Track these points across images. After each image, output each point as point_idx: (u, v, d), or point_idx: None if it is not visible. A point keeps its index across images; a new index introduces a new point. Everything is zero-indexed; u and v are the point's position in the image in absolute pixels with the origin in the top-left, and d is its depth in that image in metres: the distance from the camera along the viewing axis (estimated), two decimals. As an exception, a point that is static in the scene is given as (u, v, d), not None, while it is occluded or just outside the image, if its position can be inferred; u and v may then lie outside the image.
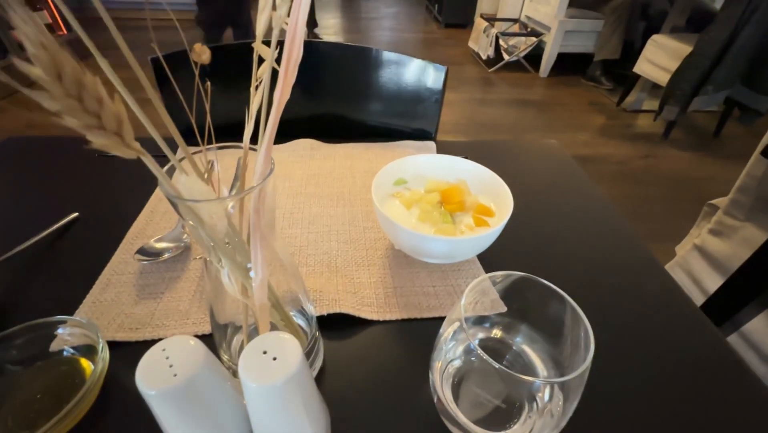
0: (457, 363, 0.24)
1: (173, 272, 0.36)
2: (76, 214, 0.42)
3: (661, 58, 2.14)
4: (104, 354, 0.25)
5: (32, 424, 0.24)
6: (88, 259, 0.37)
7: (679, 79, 1.96)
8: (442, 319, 0.24)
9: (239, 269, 0.21)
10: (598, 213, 0.47)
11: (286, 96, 0.18)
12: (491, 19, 3.18)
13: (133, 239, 0.39)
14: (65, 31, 2.95)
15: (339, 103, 0.64)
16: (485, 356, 0.18)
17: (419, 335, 0.32)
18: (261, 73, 0.19)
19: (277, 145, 0.55)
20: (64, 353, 0.27)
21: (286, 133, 0.55)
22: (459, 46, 3.47)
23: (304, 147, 0.54)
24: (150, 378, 0.17)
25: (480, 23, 3.17)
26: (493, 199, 0.39)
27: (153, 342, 0.19)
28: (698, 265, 0.99)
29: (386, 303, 0.33)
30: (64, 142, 0.55)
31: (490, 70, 3.00)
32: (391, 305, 0.33)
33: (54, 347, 0.27)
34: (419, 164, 0.41)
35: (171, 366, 0.17)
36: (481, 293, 0.24)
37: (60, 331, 0.27)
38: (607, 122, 2.43)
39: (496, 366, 0.18)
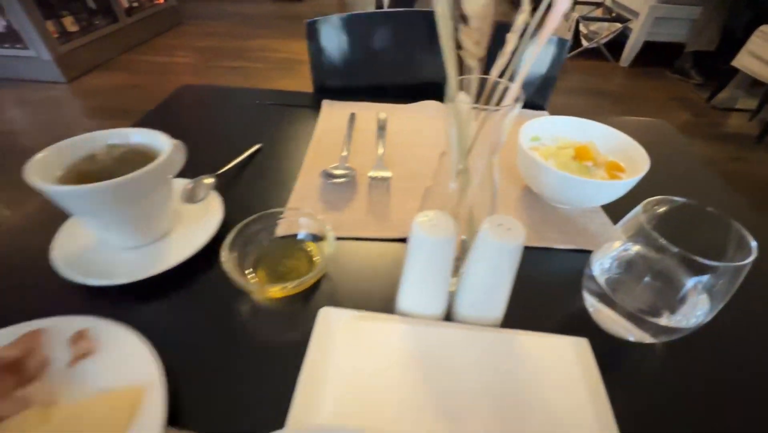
0: (614, 270, 0.30)
1: (348, 193, 0.44)
2: (259, 145, 0.52)
3: (768, 51, 1.96)
4: (332, 236, 0.34)
5: (282, 278, 0.33)
6: (275, 180, 0.47)
7: (789, 76, 1.79)
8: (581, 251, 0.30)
9: (464, 173, 0.28)
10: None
11: (545, 40, 0.24)
12: (573, 2, 3.02)
13: (309, 168, 0.48)
14: (163, 0, 3.21)
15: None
16: (661, 239, 0.24)
17: (559, 261, 0.38)
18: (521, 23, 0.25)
19: (401, 106, 0.62)
20: (298, 236, 0.37)
21: (415, 96, 0.62)
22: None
23: (431, 108, 0.61)
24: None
25: (560, 6, 3.01)
26: (623, 159, 0.43)
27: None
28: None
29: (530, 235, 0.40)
30: (225, 91, 0.66)
31: (567, 56, 2.88)
32: (533, 238, 0.40)
33: (287, 231, 0.37)
34: (554, 124, 0.46)
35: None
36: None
37: (281, 219, 0.37)
38: (693, 119, 2.27)
39: (675, 249, 0.24)
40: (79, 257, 0.34)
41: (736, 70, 2.14)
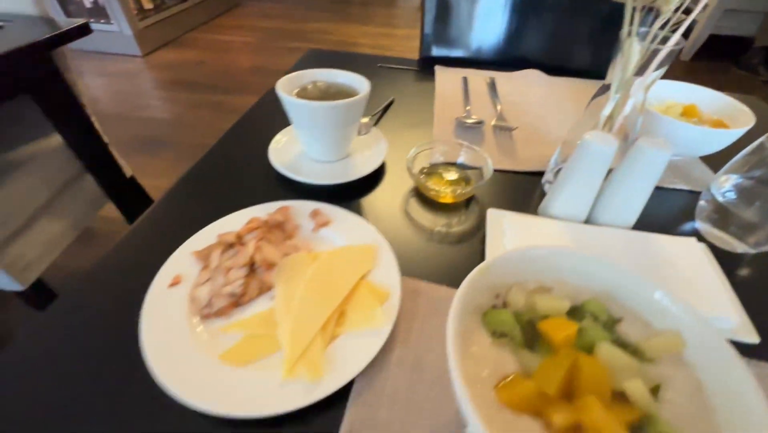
0: (728, 197, 0.37)
1: (478, 137, 0.53)
2: (392, 98, 0.62)
3: None
4: (489, 163, 0.43)
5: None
6: (412, 124, 0.56)
7: None
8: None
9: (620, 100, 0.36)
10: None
11: None
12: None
13: (440, 117, 0.57)
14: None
15: (541, 45, 0.76)
16: None
17: (668, 199, 0.45)
18: None
19: (504, 74, 0.70)
20: (457, 162, 0.46)
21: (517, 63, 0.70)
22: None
23: (534, 75, 0.68)
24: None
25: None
26: (726, 119, 0.49)
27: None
28: None
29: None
30: (346, 55, 0.76)
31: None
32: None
33: (449, 158, 0.46)
34: (660, 88, 0.53)
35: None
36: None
37: (444, 149, 0.46)
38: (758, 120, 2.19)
39: None
40: (290, 161, 0.45)
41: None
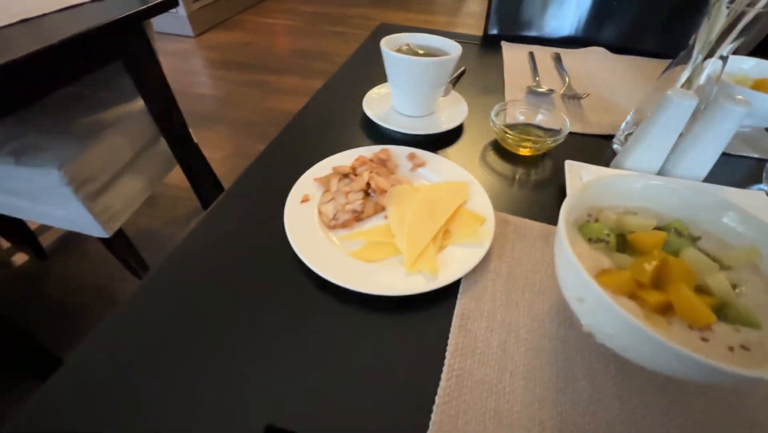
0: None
1: (548, 105, 0.57)
2: (463, 68, 0.66)
3: None
4: (567, 123, 0.47)
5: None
6: (484, 91, 0.61)
7: None
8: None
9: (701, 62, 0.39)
10: None
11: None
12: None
13: (510, 86, 0.61)
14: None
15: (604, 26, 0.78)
16: None
17: (735, 165, 0.48)
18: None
19: (568, 50, 0.73)
20: (536, 120, 0.50)
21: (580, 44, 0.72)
22: None
23: (598, 52, 0.71)
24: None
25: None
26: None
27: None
28: None
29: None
30: (415, 30, 0.81)
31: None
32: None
33: (528, 120, 0.51)
34: (731, 62, 0.55)
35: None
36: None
37: (523, 109, 0.50)
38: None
39: None
40: (382, 113, 0.51)
41: None
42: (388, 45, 0.48)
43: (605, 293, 0.22)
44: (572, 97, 0.58)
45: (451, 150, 0.49)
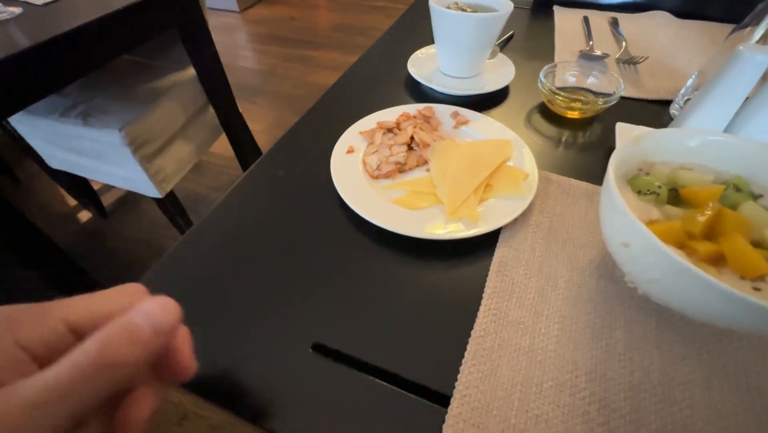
0: None
1: (601, 68, 0.55)
2: (512, 32, 0.64)
3: None
4: (621, 85, 0.45)
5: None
6: (534, 55, 0.59)
7: None
8: None
9: None
10: None
11: None
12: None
13: (561, 50, 0.59)
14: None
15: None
16: None
17: None
18: None
19: (626, 15, 0.68)
20: (588, 81, 0.49)
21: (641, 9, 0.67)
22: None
23: (660, 16, 0.66)
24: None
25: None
26: None
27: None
28: None
29: None
30: None
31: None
32: None
33: (579, 83, 0.49)
34: None
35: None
36: None
37: (576, 70, 0.49)
38: None
39: None
40: (427, 74, 0.51)
41: None
42: (436, 2, 0.48)
43: (653, 235, 0.22)
44: (628, 61, 0.55)
45: (496, 111, 0.49)
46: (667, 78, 0.52)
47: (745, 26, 0.40)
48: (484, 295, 0.29)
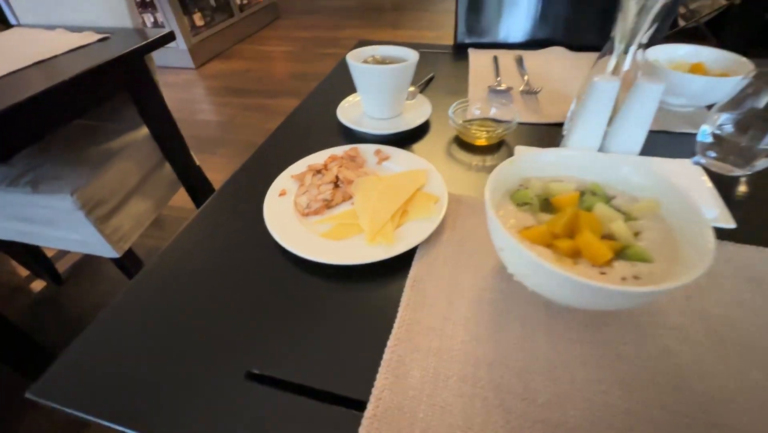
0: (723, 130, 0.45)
1: (506, 100, 0.63)
2: (432, 74, 0.72)
3: None
4: (517, 115, 0.52)
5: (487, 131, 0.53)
6: (450, 92, 0.67)
7: None
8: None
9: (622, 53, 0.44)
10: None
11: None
12: (672, -20, 2.89)
13: (474, 86, 0.67)
14: (267, -3, 3.61)
15: (562, 27, 0.84)
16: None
17: (674, 140, 0.53)
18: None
19: (530, 52, 0.79)
20: (490, 113, 0.56)
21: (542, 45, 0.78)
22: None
23: (558, 51, 0.77)
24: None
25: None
26: (728, 72, 0.56)
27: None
28: None
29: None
30: (392, 43, 0.88)
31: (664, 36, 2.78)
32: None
33: (484, 114, 0.56)
34: (670, 50, 0.60)
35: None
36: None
37: (480, 107, 0.56)
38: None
39: None
40: (354, 118, 0.57)
41: None
42: (354, 58, 0.55)
43: (514, 238, 0.27)
44: (529, 92, 0.64)
45: (417, 145, 0.55)
46: (562, 103, 0.61)
47: (604, 55, 0.48)
48: (399, 308, 0.33)
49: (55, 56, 0.90)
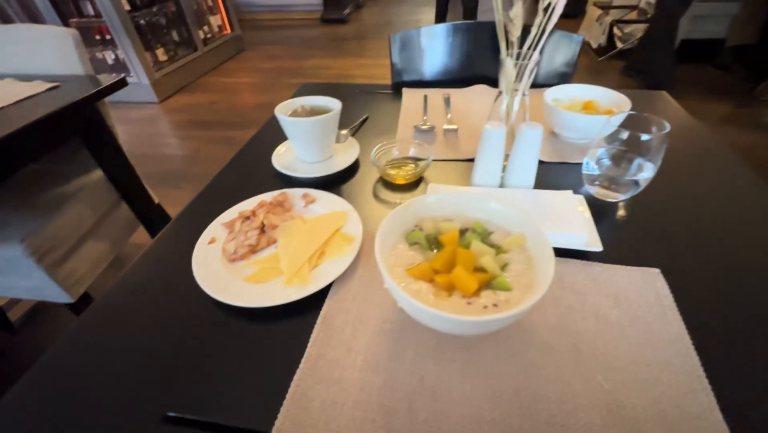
0: (600, 164, 0.52)
1: (431, 138, 0.69)
2: (366, 115, 0.79)
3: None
4: (431, 154, 0.58)
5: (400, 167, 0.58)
6: (381, 132, 0.73)
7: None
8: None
9: (509, 103, 0.51)
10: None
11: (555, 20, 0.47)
12: (606, 7, 3.16)
13: (402, 125, 0.74)
14: (230, 30, 3.70)
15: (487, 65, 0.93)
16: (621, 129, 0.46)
17: (569, 172, 0.60)
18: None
19: (459, 90, 0.87)
20: (409, 153, 0.62)
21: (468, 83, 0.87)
22: (569, 36, 3.49)
23: (480, 89, 0.85)
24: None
25: (593, 12, 3.18)
26: (616, 108, 0.64)
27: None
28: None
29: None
30: (332, 86, 0.94)
31: (600, 59, 3.02)
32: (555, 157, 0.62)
33: (403, 153, 0.62)
34: (568, 90, 0.68)
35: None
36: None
37: (399, 147, 0.62)
38: (736, 111, 2.33)
39: (626, 133, 0.46)
40: (287, 163, 0.61)
41: (776, 62, 2.19)
42: (283, 110, 0.60)
43: (390, 278, 0.32)
44: (450, 130, 0.71)
45: (346, 186, 0.60)
46: (477, 139, 0.68)
47: (497, 98, 0.55)
48: (308, 343, 0.37)
49: (2, 108, 0.92)
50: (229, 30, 3.75)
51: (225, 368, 0.36)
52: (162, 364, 0.37)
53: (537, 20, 0.47)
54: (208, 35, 3.47)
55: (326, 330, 0.38)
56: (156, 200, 1.36)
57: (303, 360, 0.36)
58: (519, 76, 0.50)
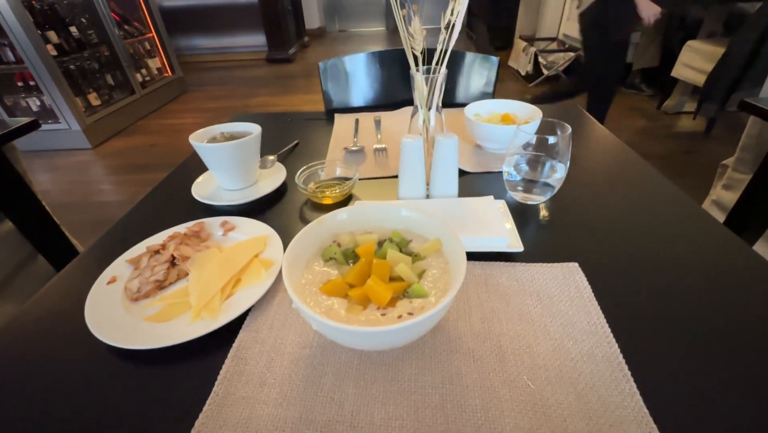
0: (518, 168, 0.54)
1: (360, 158, 0.69)
2: (296, 141, 0.78)
3: (696, 61, 2.32)
4: (357, 174, 0.58)
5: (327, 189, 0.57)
6: (312, 157, 0.72)
7: (715, 77, 2.12)
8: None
9: (426, 116, 0.52)
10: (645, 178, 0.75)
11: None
12: (530, 39, 3.49)
13: (333, 148, 0.73)
14: (170, 73, 3.64)
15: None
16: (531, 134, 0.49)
17: (493, 180, 0.62)
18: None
19: (388, 112, 0.89)
20: (336, 174, 0.61)
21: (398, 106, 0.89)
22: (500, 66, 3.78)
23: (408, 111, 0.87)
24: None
25: (519, 44, 3.49)
26: (530, 119, 0.68)
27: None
28: (716, 216, 1.18)
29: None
30: (265, 115, 0.93)
31: (530, 85, 3.28)
32: (478, 167, 0.64)
33: (329, 174, 0.61)
34: (487, 105, 0.72)
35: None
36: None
37: (326, 167, 0.61)
38: (649, 124, 2.59)
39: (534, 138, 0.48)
40: (209, 193, 0.58)
41: (677, 80, 2.50)
42: (200, 137, 0.57)
43: (297, 297, 0.30)
44: (379, 149, 0.71)
45: (272, 210, 0.57)
46: (407, 157, 0.69)
47: (415, 114, 0.56)
48: (216, 382, 0.33)
49: None
50: (170, 72, 3.69)
51: (125, 423, 0.31)
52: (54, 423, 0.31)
53: (441, 37, 0.49)
54: (147, 78, 3.38)
55: (237, 365, 0.34)
56: (82, 250, 1.24)
57: (207, 402, 0.31)
58: (431, 91, 0.51)
